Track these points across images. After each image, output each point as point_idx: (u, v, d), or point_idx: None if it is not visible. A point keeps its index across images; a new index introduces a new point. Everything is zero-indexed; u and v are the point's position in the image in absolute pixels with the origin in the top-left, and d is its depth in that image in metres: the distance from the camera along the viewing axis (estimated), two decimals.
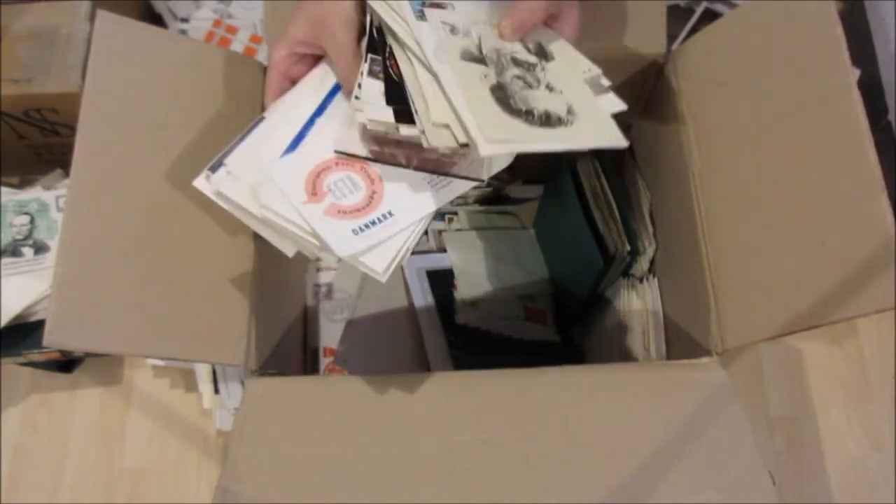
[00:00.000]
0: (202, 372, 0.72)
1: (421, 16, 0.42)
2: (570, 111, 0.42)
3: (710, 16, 0.83)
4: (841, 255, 0.40)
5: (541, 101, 0.41)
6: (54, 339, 0.40)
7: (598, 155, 0.64)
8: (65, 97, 0.72)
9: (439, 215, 0.76)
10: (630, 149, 0.67)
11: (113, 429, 0.79)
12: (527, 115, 0.40)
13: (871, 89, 0.84)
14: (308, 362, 0.68)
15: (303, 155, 0.42)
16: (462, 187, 0.43)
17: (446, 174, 0.42)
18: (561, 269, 0.72)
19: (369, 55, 0.42)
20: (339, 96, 0.45)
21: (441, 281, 0.70)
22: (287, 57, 0.46)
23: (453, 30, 0.43)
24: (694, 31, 0.80)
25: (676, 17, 0.82)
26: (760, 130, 0.48)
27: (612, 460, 0.43)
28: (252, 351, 0.49)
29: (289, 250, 0.42)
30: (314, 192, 0.41)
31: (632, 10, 0.55)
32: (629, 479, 0.42)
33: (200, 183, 0.42)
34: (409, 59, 0.41)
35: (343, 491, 0.42)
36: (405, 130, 0.39)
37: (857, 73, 0.77)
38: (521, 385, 0.47)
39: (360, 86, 0.41)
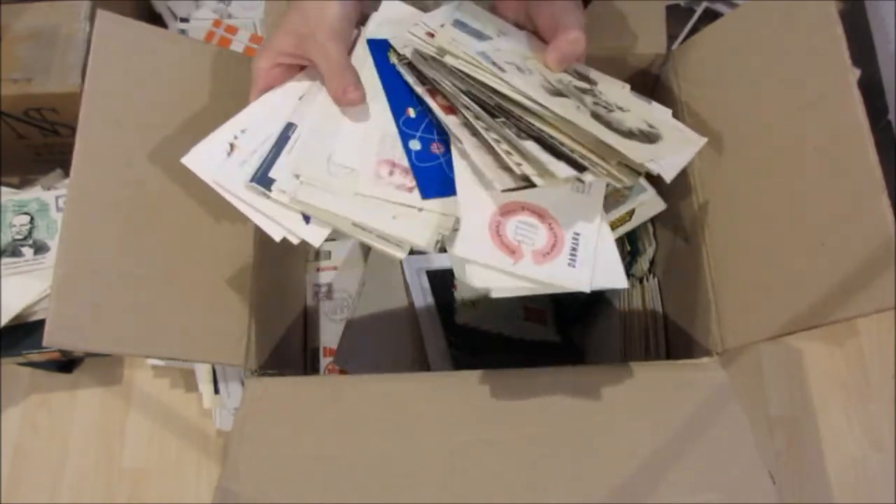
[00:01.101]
0: (202, 372, 0.72)
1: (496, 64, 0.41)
2: (650, 125, 0.43)
3: (710, 16, 0.83)
4: (841, 255, 0.40)
5: (628, 121, 0.42)
6: (54, 339, 0.40)
7: None
8: (65, 97, 0.72)
9: None
10: None
11: (113, 429, 0.79)
12: (634, 135, 0.40)
13: (871, 89, 0.84)
14: (308, 362, 0.68)
15: (472, 220, 0.41)
16: (599, 187, 0.43)
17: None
18: None
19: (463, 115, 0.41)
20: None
21: (441, 281, 0.70)
22: (271, 67, 0.45)
23: (519, 68, 0.42)
24: (694, 31, 0.80)
25: (676, 17, 0.82)
26: (760, 130, 0.48)
27: (612, 460, 0.43)
28: (252, 351, 0.49)
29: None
30: (511, 249, 0.40)
31: (632, 10, 0.55)
32: (629, 479, 0.42)
33: (276, 194, 0.41)
34: (512, 109, 0.40)
35: (343, 491, 0.42)
36: (589, 178, 0.38)
37: (857, 73, 0.77)
38: (521, 385, 0.47)
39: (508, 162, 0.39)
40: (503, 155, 0.39)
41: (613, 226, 0.62)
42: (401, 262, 0.70)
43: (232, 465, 0.43)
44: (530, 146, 0.39)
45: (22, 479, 0.76)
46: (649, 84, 0.60)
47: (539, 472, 0.43)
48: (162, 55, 0.50)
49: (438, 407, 0.46)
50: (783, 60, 0.47)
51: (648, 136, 0.41)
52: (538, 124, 0.40)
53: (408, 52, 0.45)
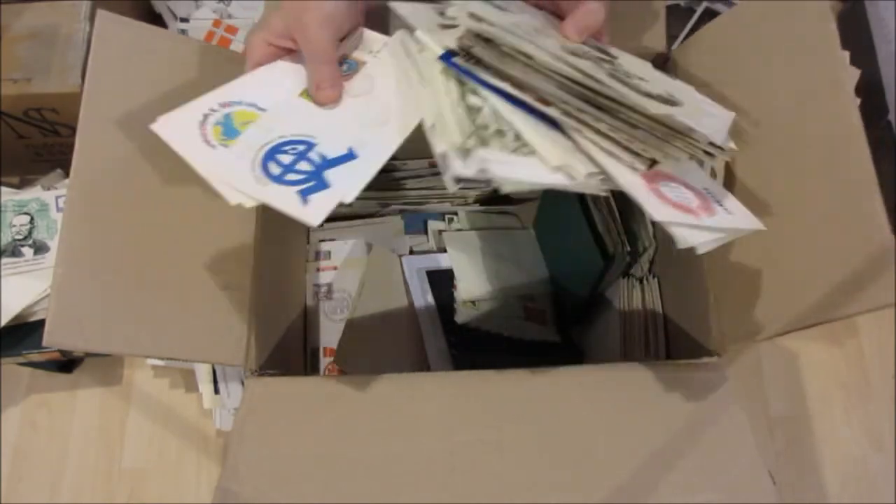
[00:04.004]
0: (202, 372, 0.72)
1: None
2: (671, 94, 0.42)
3: (710, 16, 0.83)
4: (841, 255, 0.40)
5: (648, 87, 0.41)
6: (54, 339, 0.40)
7: None
8: (65, 97, 0.72)
9: (439, 215, 0.76)
10: None
11: (113, 429, 0.79)
12: (653, 97, 0.40)
13: (871, 89, 0.84)
14: (308, 362, 0.68)
15: (637, 189, 0.39)
16: None
17: None
18: (561, 270, 0.72)
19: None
20: None
21: (441, 281, 0.70)
22: (265, 45, 0.44)
23: (534, 42, 0.41)
24: (694, 31, 0.80)
25: (676, 17, 0.82)
26: (760, 129, 0.48)
27: (613, 460, 0.43)
28: (252, 351, 0.49)
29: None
30: (685, 208, 0.39)
31: (632, 10, 0.55)
32: (629, 479, 0.42)
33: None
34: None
35: (343, 491, 0.42)
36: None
37: (857, 73, 0.77)
38: (521, 385, 0.47)
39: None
40: (626, 143, 0.38)
41: None
42: (401, 262, 0.70)
43: (232, 465, 0.43)
44: (643, 135, 0.39)
45: (22, 479, 0.76)
46: None
47: (539, 472, 0.43)
48: (162, 55, 0.50)
49: (438, 407, 0.46)
50: (782, 59, 0.47)
51: (669, 101, 0.41)
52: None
53: (462, 41, 0.41)
